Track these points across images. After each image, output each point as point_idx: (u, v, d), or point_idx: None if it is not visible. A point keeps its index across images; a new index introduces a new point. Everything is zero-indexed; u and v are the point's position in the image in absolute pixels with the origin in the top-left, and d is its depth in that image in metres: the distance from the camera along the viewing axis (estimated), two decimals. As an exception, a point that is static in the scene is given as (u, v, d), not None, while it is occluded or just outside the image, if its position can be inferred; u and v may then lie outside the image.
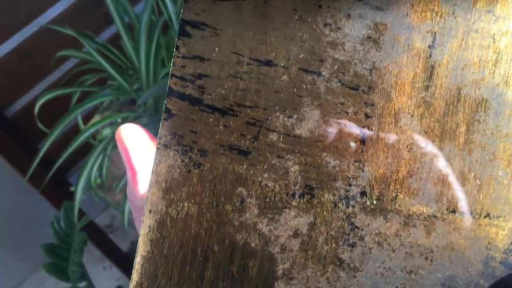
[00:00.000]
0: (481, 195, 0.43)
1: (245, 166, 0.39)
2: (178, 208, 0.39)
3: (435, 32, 0.44)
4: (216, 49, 0.39)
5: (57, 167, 1.28)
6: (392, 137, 0.42)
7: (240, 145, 0.39)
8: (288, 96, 0.40)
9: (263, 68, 0.39)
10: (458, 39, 0.43)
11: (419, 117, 0.44)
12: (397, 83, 0.45)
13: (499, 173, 0.43)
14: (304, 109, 0.40)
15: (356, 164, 0.41)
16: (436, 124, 0.44)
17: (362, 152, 0.41)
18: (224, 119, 0.39)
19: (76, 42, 1.38)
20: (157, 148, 0.38)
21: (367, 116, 0.42)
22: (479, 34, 0.43)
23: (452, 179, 0.43)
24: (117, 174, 1.61)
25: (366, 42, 0.44)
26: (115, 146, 1.53)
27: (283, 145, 0.39)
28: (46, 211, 1.63)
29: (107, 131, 1.57)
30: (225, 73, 0.39)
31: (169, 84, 0.38)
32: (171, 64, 0.38)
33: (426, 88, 0.44)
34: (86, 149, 1.41)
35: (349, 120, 0.41)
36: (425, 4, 0.45)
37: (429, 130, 0.44)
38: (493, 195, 0.43)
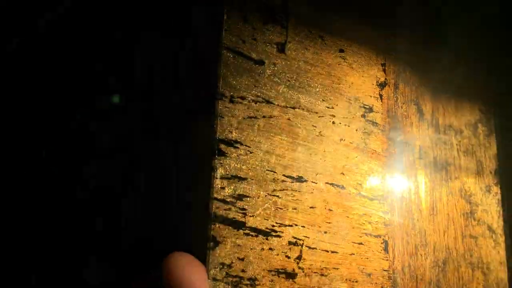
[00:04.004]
0: None
1: None
2: None
3: None
4: (252, 168, 0.41)
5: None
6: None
7: (287, 268, 0.41)
8: (321, 210, 0.44)
9: (296, 184, 0.43)
10: None
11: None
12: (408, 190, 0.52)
13: None
14: (336, 222, 0.44)
15: (385, 272, 0.46)
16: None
17: (387, 260, 0.46)
18: (268, 241, 0.40)
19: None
20: (208, 282, 0.36)
21: (385, 224, 0.47)
22: None
23: None
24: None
25: (370, 153, 0.49)
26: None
27: (325, 265, 0.42)
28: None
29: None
30: (264, 192, 0.41)
31: (212, 208, 0.38)
32: (211, 187, 0.39)
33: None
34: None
35: (373, 230, 0.46)
36: None
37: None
38: None
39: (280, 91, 0.45)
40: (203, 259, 0.37)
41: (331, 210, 0.44)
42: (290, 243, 0.41)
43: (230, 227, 0.39)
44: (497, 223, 0.54)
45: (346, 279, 0.42)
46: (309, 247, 0.42)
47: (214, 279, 0.37)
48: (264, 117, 0.43)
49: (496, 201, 0.55)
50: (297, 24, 0.48)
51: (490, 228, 0.54)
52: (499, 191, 0.57)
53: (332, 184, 0.45)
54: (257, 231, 0.40)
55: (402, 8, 0.56)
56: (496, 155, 0.58)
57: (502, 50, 0.63)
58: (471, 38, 0.62)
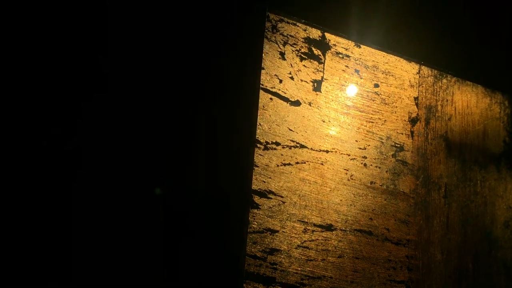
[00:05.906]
0: None
1: None
2: None
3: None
4: (284, 219, 0.40)
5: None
6: None
7: None
8: (349, 259, 0.43)
9: (326, 234, 0.42)
10: None
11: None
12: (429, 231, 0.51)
13: None
14: (362, 270, 0.44)
15: None
16: None
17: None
18: None
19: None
20: None
21: (409, 269, 0.46)
22: None
23: None
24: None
25: (398, 195, 0.48)
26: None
27: None
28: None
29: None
30: (294, 244, 0.41)
31: (243, 265, 0.37)
32: (243, 241, 0.38)
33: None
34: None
35: (397, 276, 0.45)
36: None
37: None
38: None
39: (314, 134, 0.43)
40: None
41: (358, 259, 0.44)
42: None
43: (261, 284, 0.38)
44: (511, 260, 0.55)
45: None
46: None
47: None
48: (297, 163, 0.42)
49: None
50: (334, 59, 0.45)
51: (504, 265, 0.54)
52: (516, 227, 0.57)
53: (360, 231, 0.44)
54: (287, 287, 0.40)
55: (435, 44, 0.53)
56: (516, 189, 0.58)
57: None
58: (499, 70, 0.60)
